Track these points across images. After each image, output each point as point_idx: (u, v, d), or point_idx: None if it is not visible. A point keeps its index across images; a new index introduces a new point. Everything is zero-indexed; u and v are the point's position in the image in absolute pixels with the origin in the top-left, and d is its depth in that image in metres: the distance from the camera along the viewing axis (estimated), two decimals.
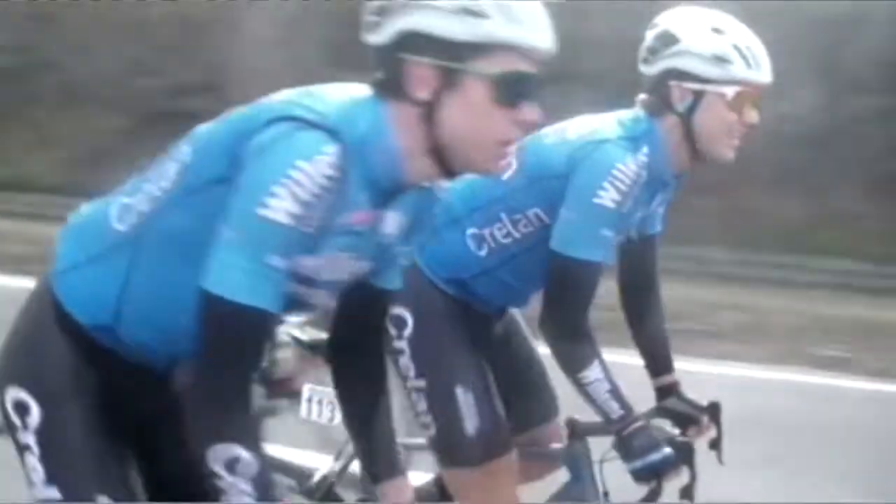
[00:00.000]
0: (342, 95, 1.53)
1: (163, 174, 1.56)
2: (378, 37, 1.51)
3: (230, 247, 1.41)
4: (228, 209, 1.41)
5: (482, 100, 1.48)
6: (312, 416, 2.67)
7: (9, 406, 1.59)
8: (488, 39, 1.47)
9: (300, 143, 1.43)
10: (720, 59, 2.20)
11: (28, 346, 1.62)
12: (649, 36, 2.28)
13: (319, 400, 2.66)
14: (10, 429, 1.59)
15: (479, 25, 1.46)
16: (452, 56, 1.46)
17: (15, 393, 1.58)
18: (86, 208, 1.68)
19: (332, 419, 2.65)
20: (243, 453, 1.43)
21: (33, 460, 1.56)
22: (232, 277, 1.41)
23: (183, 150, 1.56)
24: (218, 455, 1.42)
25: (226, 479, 1.43)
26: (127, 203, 1.58)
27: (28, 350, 1.61)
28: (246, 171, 1.43)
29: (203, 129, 1.58)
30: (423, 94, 1.48)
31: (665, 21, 2.27)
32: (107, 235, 1.58)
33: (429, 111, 1.49)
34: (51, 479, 1.56)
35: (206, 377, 1.46)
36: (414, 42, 1.47)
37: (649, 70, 2.26)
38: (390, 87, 1.51)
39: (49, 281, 1.62)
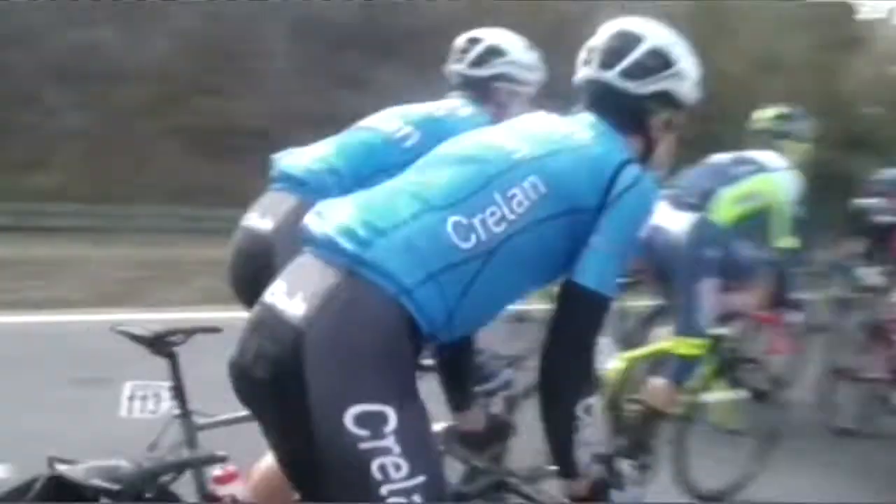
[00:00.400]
0: (603, 128, 2.01)
1: (510, 201, 1.83)
2: (635, 88, 2.05)
3: (608, 255, 1.87)
4: (607, 228, 1.86)
5: (675, 136, 2.16)
6: (135, 414, 2.67)
7: (349, 422, 1.64)
8: (695, 101, 2.16)
9: (648, 183, 1.95)
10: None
11: (382, 361, 1.68)
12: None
13: (143, 395, 2.68)
14: (350, 440, 1.64)
15: (697, 92, 2.15)
16: (681, 110, 2.12)
17: (365, 408, 1.65)
18: (392, 224, 1.76)
19: (155, 411, 2.68)
20: (595, 400, 1.91)
21: (391, 459, 1.65)
22: (608, 277, 1.87)
23: (531, 182, 1.85)
24: (583, 404, 1.87)
25: (585, 420, 1.87)
26: (467, 223, 1.78)
27: (383, 366, 1.68)
28: (621, 204, 1.88)
29: (545, 169, 1.87)
30: (657, 134, 2.10)
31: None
32: (449, 253, 1.75)
33: (654, 145, 2.11)
34: (416, 468, 1.67)
35: (577, 350, 1.89)
36: (666, 99, 2.08)
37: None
38: (633, 125, 2.06)
39: (393, 297, 1.69)
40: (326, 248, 1.77)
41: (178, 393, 2.60)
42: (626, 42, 2.07)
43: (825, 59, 16.99)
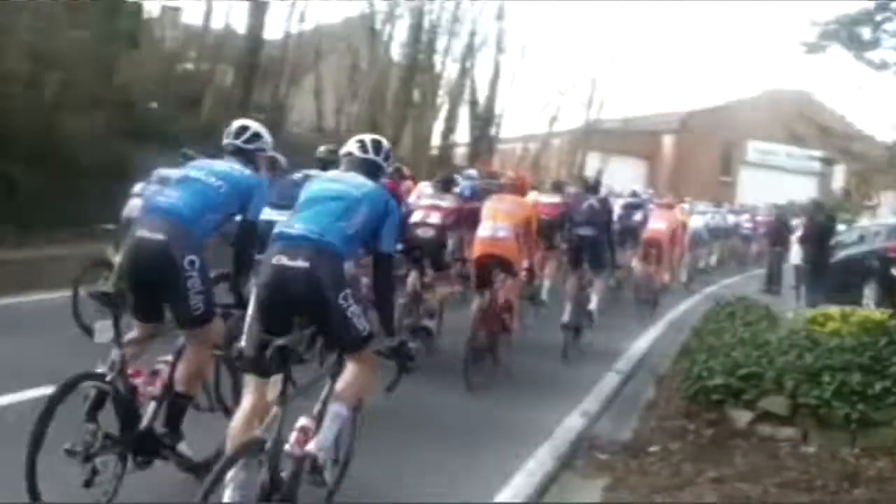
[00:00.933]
0: (369, 178, 4.78)
1: (360, 213, 4.49)
2: (382, 162, 4.92)
3: (392, 237, 4.63)
4: (388, 225, 4.61)
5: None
6: (101, 339, 4.55)
7: (342, 298, 4.25)
8: None
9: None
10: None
11: (345, 275, 4.37)
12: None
13: (106, 328, 4.53)
14: (342, 305, 4.29)
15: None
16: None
17: (346, 291, 4.28)
18: (328, 227, 4.40)
19: (110, 336, 4.54)
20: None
21: (354, 308, 4.30)
22: (393, 247, 4.72)
23: (362, 209, 4.50)
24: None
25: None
26: (348, 224, 4.44)
27: (345, 276, 4.36)
28: (391, 214, 4.62)
29: (359, 199, 4.53)
30: (385, 182, 5.32)
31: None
32: (346, 235, 4.42)
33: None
34: (364, 312, 4.37)
35: (391, 276, 5.04)
36: (387, 162, 5.01)
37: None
38: (376, 178, 4.79)
39: (340, 254, 4.37)
40: (303, 240, 4.31)
41: (117, 326, 4.62)
42: (378, 141, 4.95)
43: (106, 54, 17.10)
